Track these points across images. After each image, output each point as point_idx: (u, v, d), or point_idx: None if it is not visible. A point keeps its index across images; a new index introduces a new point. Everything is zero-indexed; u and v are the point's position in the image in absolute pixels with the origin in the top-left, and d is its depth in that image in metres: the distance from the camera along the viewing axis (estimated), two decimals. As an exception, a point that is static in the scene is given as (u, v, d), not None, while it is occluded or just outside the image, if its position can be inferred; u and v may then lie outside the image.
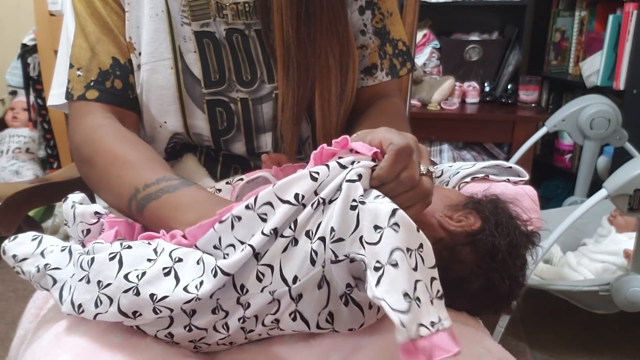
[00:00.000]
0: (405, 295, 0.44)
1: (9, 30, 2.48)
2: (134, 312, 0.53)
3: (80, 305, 0.54)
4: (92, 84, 0.74)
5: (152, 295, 0.52)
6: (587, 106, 1.79)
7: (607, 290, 1.39)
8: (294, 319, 0.54)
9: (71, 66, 0.76)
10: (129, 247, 0.56)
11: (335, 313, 0.53)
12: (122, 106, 0.76)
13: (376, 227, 0.47)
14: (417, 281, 0.46)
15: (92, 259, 0.54)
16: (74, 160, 0.77)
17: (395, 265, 0.45)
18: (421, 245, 0.48)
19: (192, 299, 0.52)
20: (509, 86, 2.30)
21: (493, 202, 0.62)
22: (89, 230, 0.63)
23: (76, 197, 0.64)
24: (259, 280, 0.53)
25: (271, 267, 0.53)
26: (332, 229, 0.49)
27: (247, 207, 0.53)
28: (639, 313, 1.41)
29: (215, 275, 0.52)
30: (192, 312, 0.55)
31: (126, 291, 0.53)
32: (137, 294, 0.52)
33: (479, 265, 0.58)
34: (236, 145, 0.80)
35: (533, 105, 2.24)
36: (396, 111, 0.83)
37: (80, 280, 0.55)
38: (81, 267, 0.55)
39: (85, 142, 0.72)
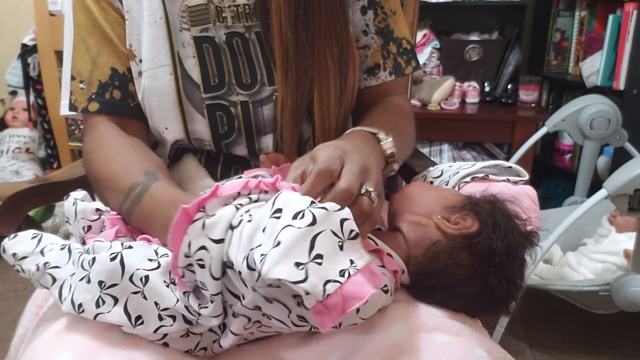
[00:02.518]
0: (297, 264, 0.43)
1: (9, 30, 2.48)
2: (137, 317, 0.54)
3: (80, 305, 0.54)
4: (93, 96, 0.76)
5: (156, 304, 0.54)
6: (587, 106, 1.79)
7: (607, 290, 1.39)
8: (269, 319, 0.53)
9: (73, 78, 0.77)
10: (130, 247, 0.56)
11: (305, 315, 0.52)
12: (122, 115, 0.77)
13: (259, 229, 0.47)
14: (315, 235, 0.44)
15: (93, 259, 0.54)
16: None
17: (278, 244, 0.44)
18: (312, 200, 0.47)
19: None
20: (509, 86, 2.30)
21: (491, 203, 0.62)
22: (90, 227, 0.64)
23: (78, 194, 0.65)
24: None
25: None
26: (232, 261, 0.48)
27: (186, 255, 0.52)
28: (639, 313, 1.41)
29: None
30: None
31: (135, 293, 0.54)
32: (145, 298, 0.53)
33: (477, 269, 0.58)
34: (238, 148, 0.80)
35: (533, 105, 2.24)
36: (400, 110, 0.83)
37: (81, 280, 0.55)
38: (82, 266, 0.55)
39: (86, 155, 0.75)
